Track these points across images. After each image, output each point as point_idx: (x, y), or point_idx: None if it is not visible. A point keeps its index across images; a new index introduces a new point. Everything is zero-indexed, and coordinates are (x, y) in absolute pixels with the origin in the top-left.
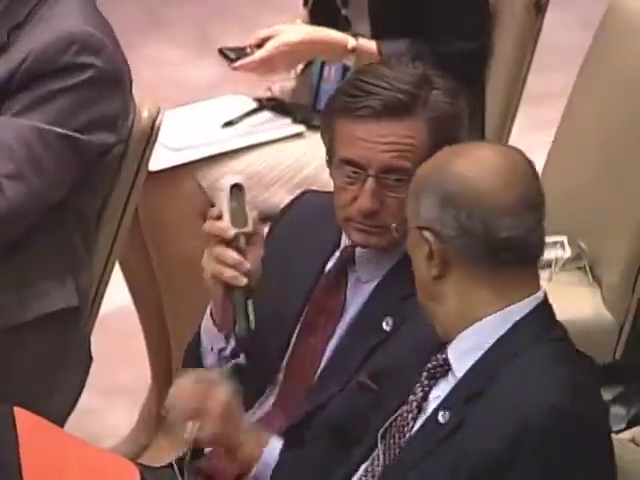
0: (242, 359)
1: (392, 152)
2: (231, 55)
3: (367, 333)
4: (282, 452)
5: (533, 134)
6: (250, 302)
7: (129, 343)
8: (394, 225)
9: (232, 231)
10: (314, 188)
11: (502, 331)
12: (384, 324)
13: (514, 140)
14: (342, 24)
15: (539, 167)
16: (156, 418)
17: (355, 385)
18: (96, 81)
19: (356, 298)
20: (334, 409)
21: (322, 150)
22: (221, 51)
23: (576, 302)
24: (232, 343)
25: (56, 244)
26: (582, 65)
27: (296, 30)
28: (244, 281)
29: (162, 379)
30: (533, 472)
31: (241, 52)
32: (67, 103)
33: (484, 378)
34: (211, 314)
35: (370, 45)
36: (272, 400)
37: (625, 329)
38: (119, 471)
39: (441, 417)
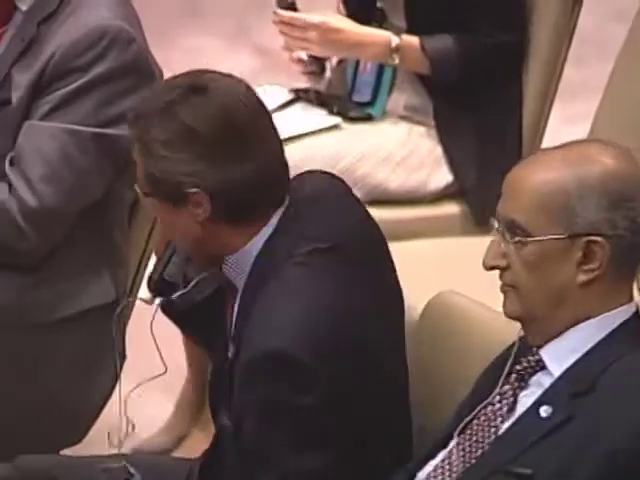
0: None
1: None
2: (287, 1)
3: None
4: None
5: (569, 127)
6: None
7: (165, 333)
8: None
9: None
10: (350, 180)
11: (603, 335)
12: None
13: (550, 133)
14: (377, 16)
15: None
16: (192, 409)
17: None
18: (126, 74)
19: None
20: None
21: (358, 142)
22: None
23: None
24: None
25: (95, 239)
26: (618, 57)
27: (343, 20)
28: None
29: (198, 370)
30: None
31: (292, 6)
32: (97, 99)
33: (587, 379)
34: None
35: (413, 42)
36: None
37: None
38: None
39: (543, 412)
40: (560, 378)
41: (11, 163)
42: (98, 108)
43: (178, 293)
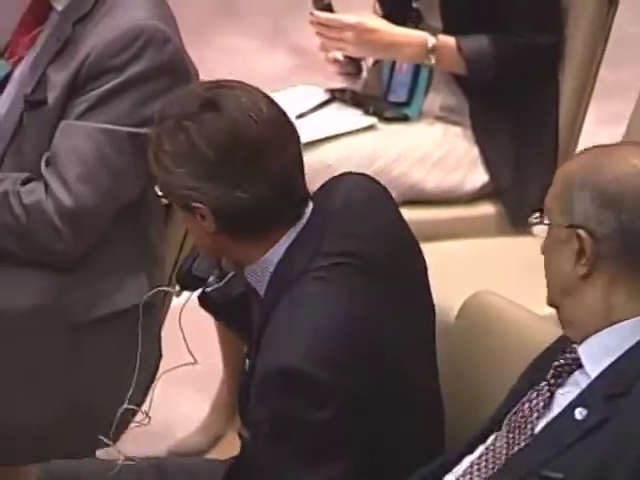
0: None
1: None
2: (323, 2)
3: None
4: None
5: (604, 128)
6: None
7: (200, 333)
8: None
9: None
10: (386, 181)
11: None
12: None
13: (586, 134)
14: (413, 17)
15: None
16: (228, 410)
17: None
18: (161, 74)
19: None
20: None
21: (394, 142)
22: (317, 1)
23: None
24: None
25: (131, 239)
26: None
27: (379, 20)
28: None
29: (234, 371)
30: None
31: (328, 7)
32: (133, 98)
33: (624, 381)
34: None
35: (450, 42)
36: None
37: None
38: None
39: (578, 414)
40: (596, 380)
41: (47, 163)
42: (134, 108)
43: (212, 287)
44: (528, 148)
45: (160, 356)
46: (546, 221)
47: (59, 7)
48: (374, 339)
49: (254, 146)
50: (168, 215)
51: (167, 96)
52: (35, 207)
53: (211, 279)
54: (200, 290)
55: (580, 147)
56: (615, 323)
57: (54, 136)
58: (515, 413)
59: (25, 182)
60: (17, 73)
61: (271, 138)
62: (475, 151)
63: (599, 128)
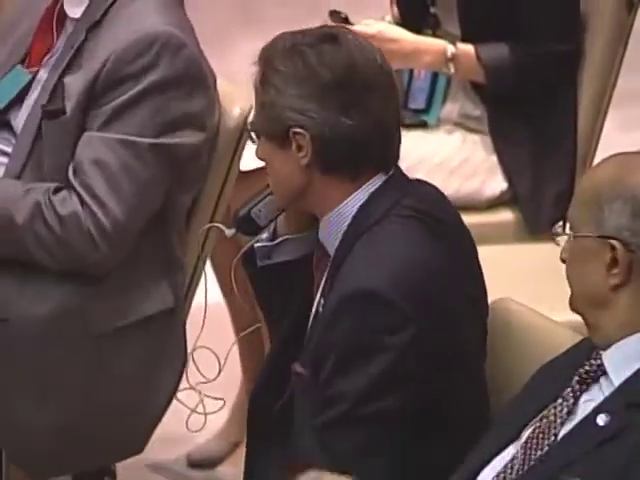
0: None
1: None
2: (340, 16)
3: None
4: None
5: (624, 134)
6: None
7: (221, 340)
8: None
9: None
10: None
11: None
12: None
13: (605, 140)
14: (431, 23)
15: None
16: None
17: None
18: (179, 82)
19: None
20: None
21: (413, 148)
22: (332, 12)
23: None
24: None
25: (155, 247)
26: None
27: (399, 29)
28: None
29: (253, 376)
30: None
31: (346, 20)
32: (151, 108)
33: None
34: None
35: (469, 50)
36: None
37: None
38: None
39: (600, 420)
40: (620, 387)
41: (74, 173)
42: (152, 117)
43: (260, 244)
44: (546, 155)
45: (186, 358)
46: (570, 231)
47: (75, 15)
48: (444, 290)
49: (367, 83)
50: (188, 220)
51: (185, 103)
52: (72, 218)
53: (265, 235)
54: (247, 248)
55: (599, 154)
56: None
57: (75, 146)
58: (541, 419)
59: (55, 191)
60: (35, 83)
61: (381, 84)
62: (493, 158)
63: (619, 134)
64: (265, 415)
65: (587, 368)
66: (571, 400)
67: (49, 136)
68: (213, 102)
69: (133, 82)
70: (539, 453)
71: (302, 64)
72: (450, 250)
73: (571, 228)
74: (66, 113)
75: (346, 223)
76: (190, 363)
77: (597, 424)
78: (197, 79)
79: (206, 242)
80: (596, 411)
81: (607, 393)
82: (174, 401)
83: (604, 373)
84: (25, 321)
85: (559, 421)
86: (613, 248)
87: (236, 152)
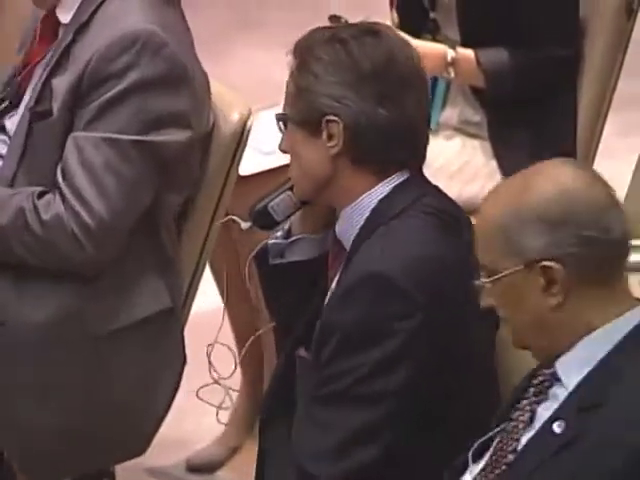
0: None
1: None
2: (340, 21)
3: None
4: None
5: (623, 139)
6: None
7: (220, 345)
8: None
9: None
10: None
11: (612, 344)
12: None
13: (604, 145)
14: (430, 27)
15: (630, 171)
16: (246, 421)
17: None
18: (160, 79)
19: None
20: None
21: None
22: (332, 17)
23: None
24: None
25: (144, 246)
26: None
27: (400, 34)
28: None
29: (252, 381)
30: None
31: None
32: (133, 106)
33: (597, 391)
34: None
35: (469, 55)
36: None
37: None
38: None
39: (557, 427)
40: (572, 392)
41: (62, 174)
42: (135, 115)
43: (274, 241)
44: (546, 159)
45: (184, 360)
46: (491, 277)
47: (65, 20)
48: (456, 287)
49: (403, 80)
50: (183, 226)
51: (168, 101)
52: (55, 220)
53: (279, 233)
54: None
55: (598, 158)
56: (588, 333)
57: (63, 147)
58: (503, 430)
59: (40, 195)
60: (28, 89)
61: (417, 85)
62: (493, 163)
63: (618, 139)
64: (278, 417)
65: (541, 378)
66: (528, 413)
67: (39, 138)
68: (200, 101)
69: (116, 80)
70: (504, 461)
71: (344, 53)
72: (466, 250)
73: (490, 274)
74: (53, 114)
75: (365, 216)
76: (191, 366)
77: (554, 431)
78: (180, 78)
79: (205, 247)
80: (552, 419)
81: (562, 399)
82: (174, 403)
83: (558, 380)
84: (25, 327)
85: (517, 434)
86: (544, 270)
87: (235, 157)
